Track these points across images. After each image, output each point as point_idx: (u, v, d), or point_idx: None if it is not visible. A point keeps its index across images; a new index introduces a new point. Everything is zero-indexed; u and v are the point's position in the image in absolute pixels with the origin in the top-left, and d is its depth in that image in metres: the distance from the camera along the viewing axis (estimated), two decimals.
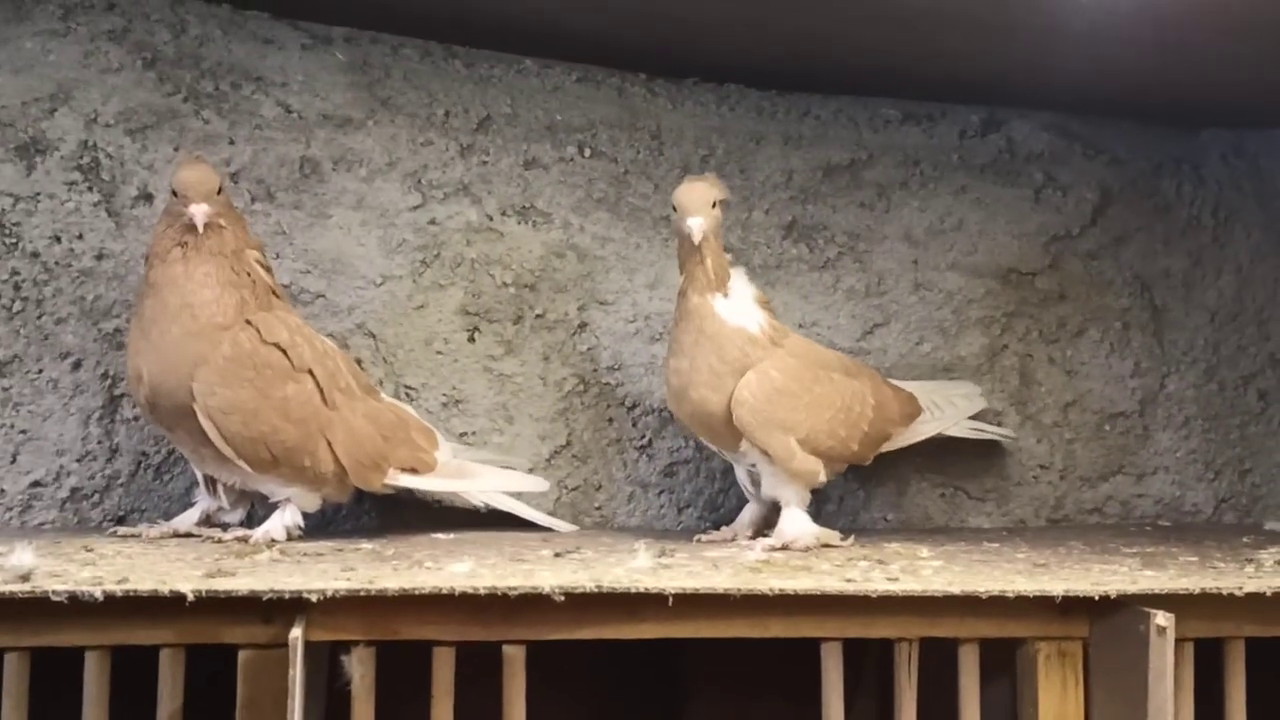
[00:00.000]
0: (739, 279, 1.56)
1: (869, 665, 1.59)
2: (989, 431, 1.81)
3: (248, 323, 1.43)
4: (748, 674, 1.65)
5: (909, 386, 1.72)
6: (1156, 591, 1.18)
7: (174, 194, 1.43)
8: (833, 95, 1.92)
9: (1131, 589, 1.18)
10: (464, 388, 1.72)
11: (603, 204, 1.79)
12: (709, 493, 1.78)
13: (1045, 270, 1.91)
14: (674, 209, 1.51)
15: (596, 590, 1.09)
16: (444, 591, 1.08)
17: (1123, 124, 1.99)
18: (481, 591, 1.08)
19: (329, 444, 1.45)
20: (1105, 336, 1.93)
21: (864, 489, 1.86)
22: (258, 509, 1.53)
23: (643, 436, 1.77)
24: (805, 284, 1.84)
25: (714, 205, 1.51)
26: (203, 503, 1.51)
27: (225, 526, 1.50)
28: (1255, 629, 1.24)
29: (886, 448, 1.65)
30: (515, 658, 1.13)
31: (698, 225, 1.47)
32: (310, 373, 1.45)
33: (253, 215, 1.65)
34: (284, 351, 1.44)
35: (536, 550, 1.41)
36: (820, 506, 1.83)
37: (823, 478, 1.55)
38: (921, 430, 1.69)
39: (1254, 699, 1.31)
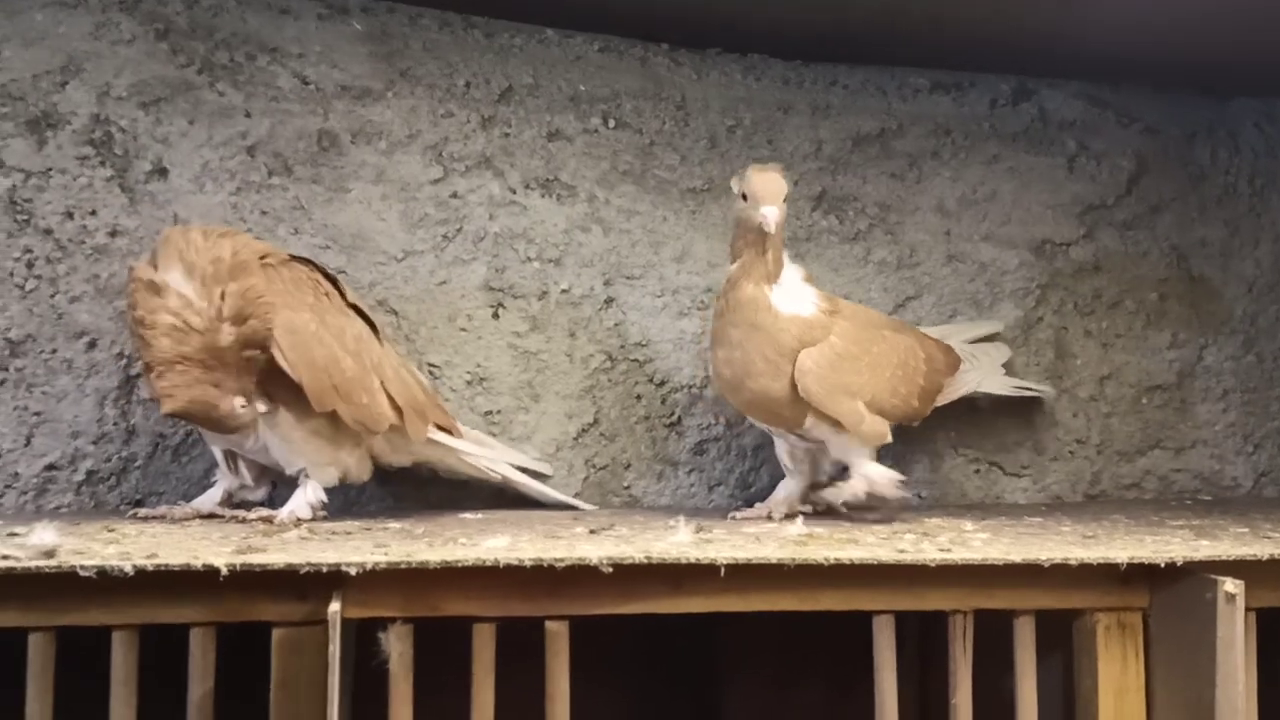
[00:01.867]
0: (785, 260, 1.49)
1: (908, 644, 1.54)
2: (1031, 389, 1.78)
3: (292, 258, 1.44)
4: (786, 660, 1.60)
5: (934, 332, 1.69)
6: (1223, 558, 1.13)
7: None
8: (859, 65, 1.88)
9: (1196, 556, 1.14)
10: (489, 365, 1.67)
11: (628, 176, 1.74)
12: (740, 470, 1.74)
13: (1080, 241, 1.86)
14: (742, 195, 1.44)
15: (646, 562, 1.04)
16: (487, 564, 1.04)
17: (1155, 92, 1.94)
18: (527, 564, 1.03)
19: (382, 383, 1.41)
20: (1141, 308, 1.88)
21: (898, 465, 1.81)
22: (280, 489, 1.49)
23: (671, 414, 1.73)
24: (835, 256, 1.79)
25: (785, 198, 1.45)
26: (224, 482, 1.47)
27: (248, 506, 1.46)
28: None
29: (940, 401, 1.62)
30: (559, 633, 1.09)
31: (773, 216, 1.41)
32: (357, 309, 1.44)
33: (270, 190, 1.60)
34: (333, 282, 1.44)
35: (570, 528, 1.36)
36: None
37: (889, 438, 1.52)
38: (966, 380, 1.67)
39: None
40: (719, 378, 1.51)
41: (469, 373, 1.67)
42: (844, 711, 1.60)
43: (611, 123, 1.75)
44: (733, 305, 1.46)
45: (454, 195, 1.68)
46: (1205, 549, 1.21)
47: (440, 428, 1.50)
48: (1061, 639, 1.25)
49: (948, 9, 1.68)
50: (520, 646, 1.13)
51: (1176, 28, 1.71)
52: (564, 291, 1.71)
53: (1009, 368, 1.78)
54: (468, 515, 1.51)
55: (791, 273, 1.50)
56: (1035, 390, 1.79)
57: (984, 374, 1.70)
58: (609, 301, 1.73)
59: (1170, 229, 1.90)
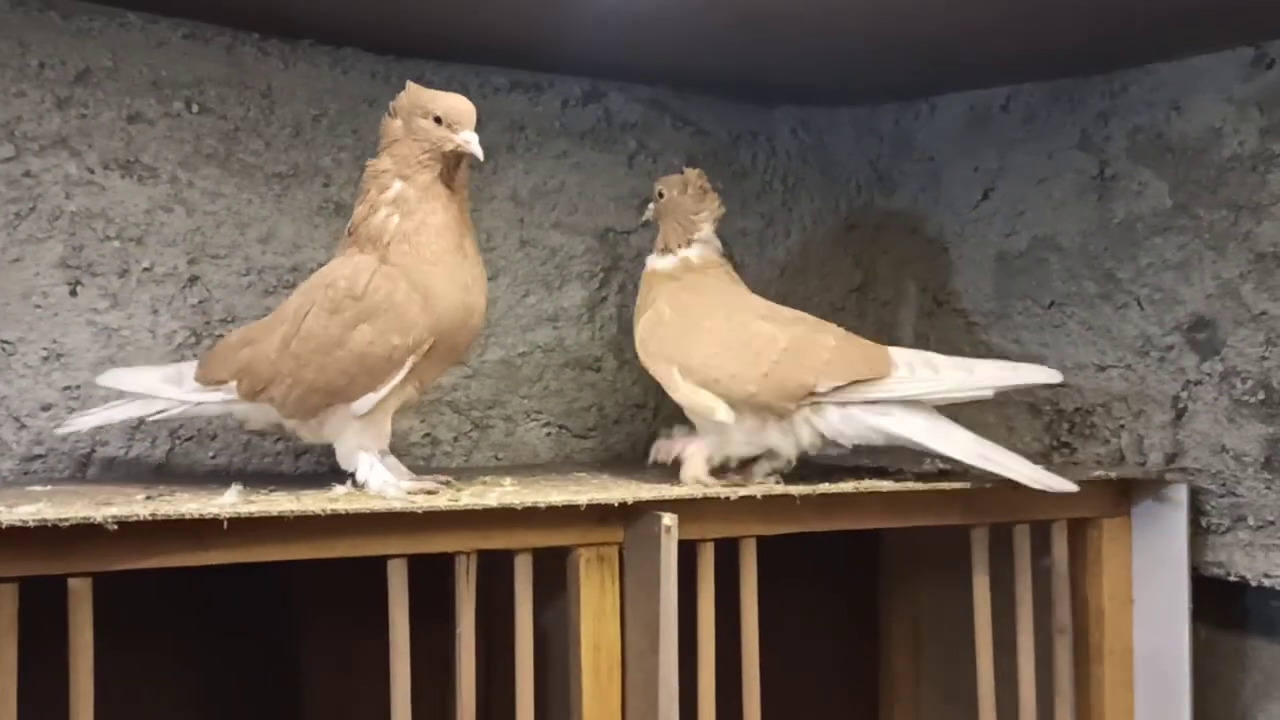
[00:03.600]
0: (696, 249, 1.74)
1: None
2: (1002, 464, 1.56)
3: None
4: (359, 609, 1.76)
5: (904, 354, 1.61)
6: (666, 498, 1.39)
7: None
8: (447, 62, 2.04)
9: (645, 496, 1.39)
10: (66, 341, 1.72)
11: (212, 160, 1.83)
12: None
13: (639, 229, 2.12)
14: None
15: (151, 519, 1.17)
16: None
17: (708, 99, 2.22)
18: (31, 524, 1.13)
19: None
20: None
21: (477, 430, 2.01)
22: None
23: None
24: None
25: (660, 196, 1.80)
26: None
27: None
28: (761, 529, 1.49)
29: (821, 400, 1.56)
30: (81, 590, 1.19)
31: (650, 209, 1.81)
32: None
33: None
34: None
35: (131, 495, 1.45)
36: (435, 449, 1.98)
37: (721, 415, 1.55)
38: (886, 388, 1.55)
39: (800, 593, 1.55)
40: None
41: (45, 349, 1.71)
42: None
43: (195, 108, 1.82)
44: None
45: (27, 174, 1.71)
46: (656, 491, 1.44)
47: None
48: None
49: (522, 15, 1.85)
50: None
51: (730, 41, 1.97)
52: (146, 270, 1.78)
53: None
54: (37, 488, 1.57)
55: (693, 254, 1.74)
56: (1031, 478, 1.56)
57: (938, 388, 1.56)
58: (193, 280, 1.81)
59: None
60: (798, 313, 1.69)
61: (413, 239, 1.48)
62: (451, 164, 1.51)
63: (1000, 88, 2.08)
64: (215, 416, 1.70)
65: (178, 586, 1.32)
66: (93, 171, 1.75)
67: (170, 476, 1.75)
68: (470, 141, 1.49)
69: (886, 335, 2.28)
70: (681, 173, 1.82)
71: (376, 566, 1.38)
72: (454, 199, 1.52)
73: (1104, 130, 1.93)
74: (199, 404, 1.57)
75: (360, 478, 1.46)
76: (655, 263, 1.77)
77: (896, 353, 1.61)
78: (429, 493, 1.42)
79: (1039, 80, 2.02)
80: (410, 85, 1.56)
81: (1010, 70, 2.02)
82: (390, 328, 1.45)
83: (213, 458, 1.82)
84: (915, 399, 1.56)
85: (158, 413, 1.60)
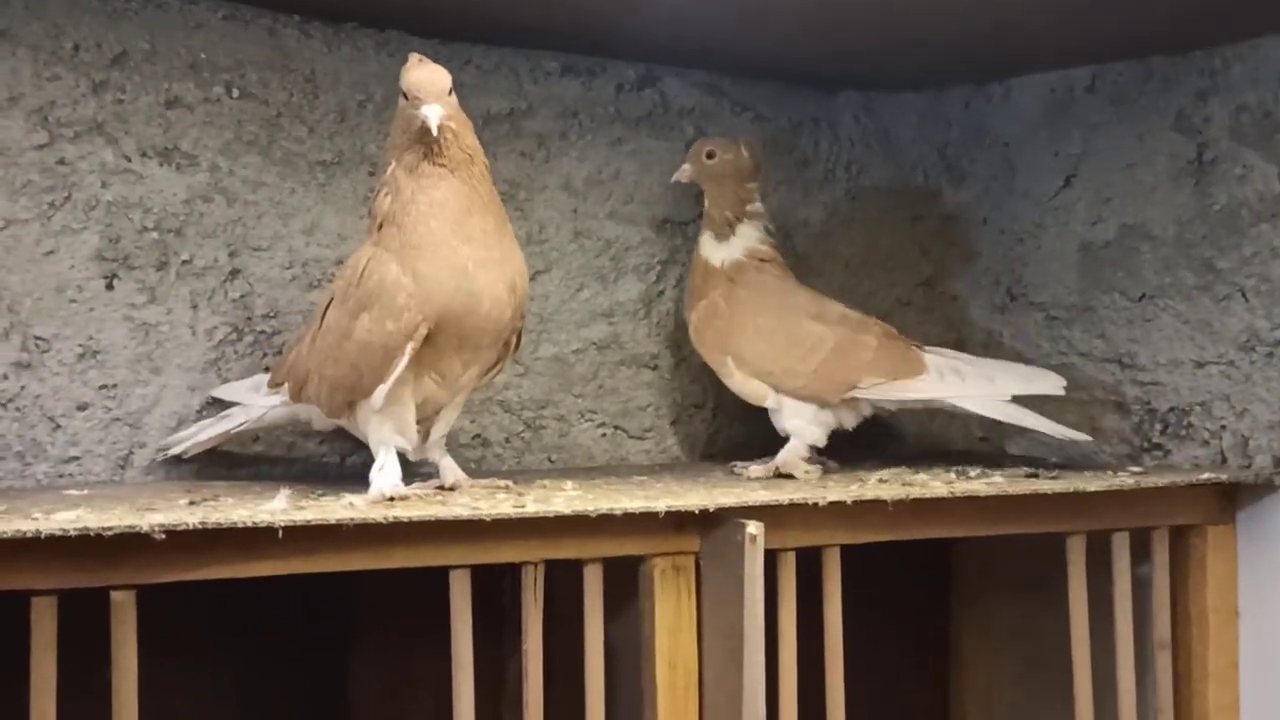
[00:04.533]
0: (746, 231, 1.81)
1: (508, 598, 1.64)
2: (1042, 430, 1.69)
3: None
4: (410, 622, 1.67)
5: (937, 358, 1.74)
6: (750, 504, 1.28)
7: None
8: (495, 46, 1.94)
9: (730, 503, 1.28)
10: (101, 338, 1.63)
11: (253, 147, 1.74)
12: None
13: (696, 220, 2.01)
14: None
15: (201, 527, 1.07)
16: (29, 535, 1.03)
17: (767, 85, 2.12)
18: (72, 534, 1.04)
19: None
20: None
21: (529, 431, 1.91)
22: None
23: None
24: None
25: (709, 156, 1.82)
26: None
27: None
28: (846, 537, 1.38)
29: (865, 395, 1.73)
30: (124, 603, 1.10)
31: (684, 172, 1.84)
32: None
33: None
34: None
35: (173, 500, 1.36)
36: (485, 450, 1.88)
37: (770, 402, 1.74)
38: (915, 389, 1.70)
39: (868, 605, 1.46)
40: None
41: (81, 345, 1.63)
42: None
43: (236, 92, 1.73)
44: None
45: (61, 162, 1.62)
46: (737, 496, 1.35)
47: None
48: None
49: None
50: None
51: (790, 24, 1.87)
52: (185, 262, 1.69)
53: (1026, 401, 1.71)
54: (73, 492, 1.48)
55: (742, 242, 1.80)
56: (1054, 432, 1.70)
57: (954, 391, 1.69)
58: (234, 273, 1.72)
59: (776, 210, 2.08)
60: (842, 309, 1.81)
61: (400, 220, 1.40)
62: (430, 140, 1.40)
63: (1084, 67, 1.96)
64: (286, 423, 1.62)
65: (217, 591, 1.22)
66: (129, 159, 1.66)
67: (210, 476, 1.66)
68: (428, 116, 1.37)
69: (955, 332, 2.17)
70: (736, 142, 1.83)
71: (430, 573, 1.29)
72: (453, 176, 1.41)
73: (1203, 110, 1.80)
74: (268, 410, 1.53)
75: (371, 476, 1.39)
76: (710, 252, 1.81)
77: (929, 356, 1.75)
78: (427, 496, 1.36)
79: (1129, 58, 1.90)
80: (410, 57, 1.48)
81: (1096, 49, 1.90)
82: (384, 314, 1.37)
83: (254, 457, 1.73)
84: (939, 402, 1.73)
85: (239, 425, 1.56)
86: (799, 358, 1.72)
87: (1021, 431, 1.86)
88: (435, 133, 1.37)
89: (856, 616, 1.44)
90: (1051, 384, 1.72)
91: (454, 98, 1.45)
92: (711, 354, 1.79)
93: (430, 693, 1.60)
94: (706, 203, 1.83)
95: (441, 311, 1.38)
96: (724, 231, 1.81)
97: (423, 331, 1.37)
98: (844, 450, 1.82)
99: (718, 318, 1.77)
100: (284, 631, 1.65)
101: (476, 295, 1.40)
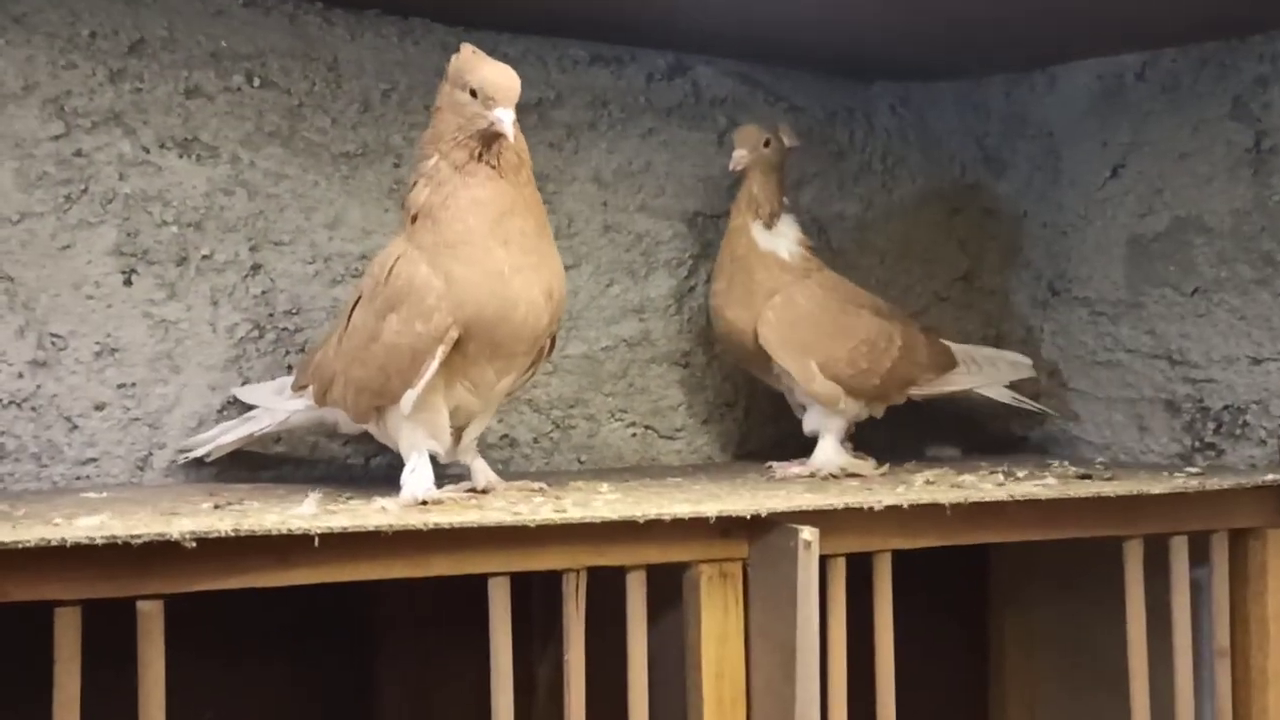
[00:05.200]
0: (789, 222, 1.74)
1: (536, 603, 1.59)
2: (1026, 404, 1.89)
3: None
4: (438, 630, 1.62)
5: (954, 347, 1.83)
6: (803, 509, 1.22)
7: None
8: (521, 34, 1.88)
9: (781, 507, 1.22)
10: (119, 335, 1.58)
11: (275, 138, 1.68)
12: None
13: (729, 213, 1.95)
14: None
15: (233, 535, 1.01)
16: (51, 544, 0.97)
17: (801, 74, 2.06)
18: (99, 542, 0.98)
19: None
20: None
21: (558, 431, 1.86)
22: None
23: None
24: None
25: (766, 144, 1.73)
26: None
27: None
28: (900, 541, 1.32)
29: (916, 392, 1.76)
30: (152, 614, 1.04)
31: (739, 156, 1.70)
32: None
33: None
34: None
35: (196, 503, 1.31)
36: (513, 450, 1.83)
37: (843, 405, 1.67)
38: (955, 381, 1.79)
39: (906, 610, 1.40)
40: (710, 308, 1.78)
41: (98, 343, 1.57)
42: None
43: (257, 82, 1.68)
44: (725, 237, 1.75)
45: (78, 153, 1.57)
46: (786, 500, 1.29)
47: None
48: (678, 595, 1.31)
49: None
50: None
51: (825, 13, 1.82)
52: (205, 257, 1.63)
53: (1017, 387, 1.88)
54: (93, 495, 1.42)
55: (789, 229, 1.73)
56: (1031, 407, 1.90)
57: (979, 380, 1.82)
58: (256, 268, 1.66)
59: (812, 203, 2.03)
60: (888, 304, 1.81)
61: (436, 214, 1.34)
62: (490, 142, 1.34)
63: (1134, 54, 1.89)
64: (312, 426, 1.56)
65: (240, 595, 1.16)
66: (148, 150, 1.60)
67: (231, 478, 1.60)
68: (502, 120, 1.31)
69: (994, 328, 2.11)
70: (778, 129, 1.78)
71: (462, 579, 1.23)
72: (500, 179, 1.35)
73: (1262, 97, 1.74)
74: (292, 414, 1.48)
75: (402, 479, 1.33)
76: (768, 242, 1.72)
77: (954, 348, 1.81)
78: (461, 499, 1.31)
79: (1181, 44, 1.84)
80: (463, 48, 1.40)
81: (1146, 35, 1.84)
82: (413, 314, 1.31)
83: (277, 459, 1.67)
84: (967, 390, 1.82)
85: (263, 428, 1.51)
86: (875, 359, 1.68)
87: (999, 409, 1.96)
88: (510, 140, 1.32)
89: (897, 619, 1.38)
90: (1024, 366, 1.87)
91: None
92: (789, 356, 1.65)
93: (456, 697, 1.55)
94: (754, 190, 1.72)
95: (473, 316, 1.32)
96: (772, 222, 1.73)
97: (453, 334, 1.31)
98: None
99: (801, 317, 1.66)
100: (309, 633, 1.59)
101: (511, 301, 1.33)
